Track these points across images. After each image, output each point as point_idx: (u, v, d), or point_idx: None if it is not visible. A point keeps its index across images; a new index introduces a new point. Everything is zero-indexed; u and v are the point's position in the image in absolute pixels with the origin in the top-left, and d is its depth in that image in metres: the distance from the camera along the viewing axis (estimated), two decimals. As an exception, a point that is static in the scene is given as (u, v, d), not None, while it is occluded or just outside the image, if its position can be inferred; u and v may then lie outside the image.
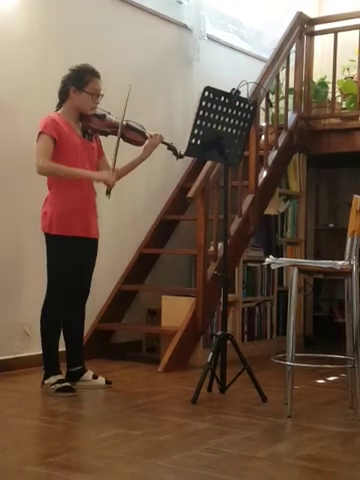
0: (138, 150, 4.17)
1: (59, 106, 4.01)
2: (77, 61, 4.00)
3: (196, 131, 3.85)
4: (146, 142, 4.15)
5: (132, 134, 4.09)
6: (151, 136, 4.14)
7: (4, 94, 4.43)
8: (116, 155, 3.97)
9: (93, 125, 4.02)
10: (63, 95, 3.98)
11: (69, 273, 3.94)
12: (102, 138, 4.15)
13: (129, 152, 4.16)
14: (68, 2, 4.81)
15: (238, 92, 3.92)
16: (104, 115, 4.04)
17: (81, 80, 3.93)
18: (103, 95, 3.98)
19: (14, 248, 4.53)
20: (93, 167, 4.05)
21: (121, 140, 4.04)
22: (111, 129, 4.05)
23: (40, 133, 3.86)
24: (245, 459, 2.79)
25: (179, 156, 4.14)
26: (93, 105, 3.98)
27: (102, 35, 5.04)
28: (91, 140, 4.05)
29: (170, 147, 4.19)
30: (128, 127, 4.06)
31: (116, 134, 4.00)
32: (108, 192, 3.99)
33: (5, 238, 4.47)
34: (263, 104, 5.35)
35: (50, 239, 3.92)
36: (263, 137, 5.40)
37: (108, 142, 4.11)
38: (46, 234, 3.93)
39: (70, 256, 3.92)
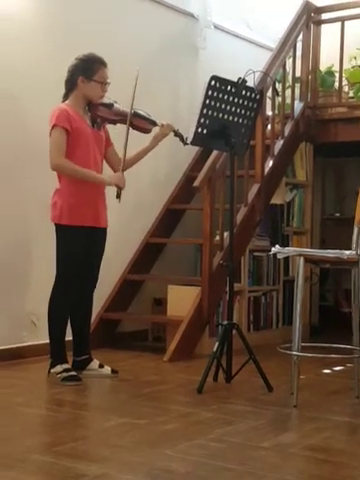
0: (146, 138, 4.15)
1: (66, 96, 4.00)
2: (83, 50, 3.99)
3: (202, 120, 3.84)
4: (156, 130, 4.14)
5: (140, 121, 4.08)
6: (162, 125, 4.12)
7: (12, 85, 4.42)
8: (126, 145, 3.95)
9: (102, 114, 4.02)
10: (70, 84, 3.98)
11: (78, 262, 3.94)
12: (111, 127, 4.14)
13: (138, 140, 4.14)
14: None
15: (244, 81, 3.90)
16: (111, 104, 4.05)
17: (89, 69, 3.93)
18: (110, 83, 3.98)
19: (22, 238, 4.53)
20: (102, 156, 4.06)
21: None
22: (119, 117, 4.05)
23: (54, 126, 3.85)
24: (250, 449, 2.79)
25: (186, 143, 4.11)
26: (101, 94, 3.99)
27: (108, 24, 5.02)
28: (100, 129, 4.06)
29: (177, 134, 4.17)
30: (136, 115, 4.05)
31: (124, 122, 4.00)
32: (118, 195, 3.97)
33: (13, 228, 4.47)
34: (269, 93, 5.34)
35: (60, 229, 3.93)
36: (269, 126, 5.39)
37: (117, 131, 4.11)
38: (56, 224, 3.93)
39: (80, 246, 3.93)
